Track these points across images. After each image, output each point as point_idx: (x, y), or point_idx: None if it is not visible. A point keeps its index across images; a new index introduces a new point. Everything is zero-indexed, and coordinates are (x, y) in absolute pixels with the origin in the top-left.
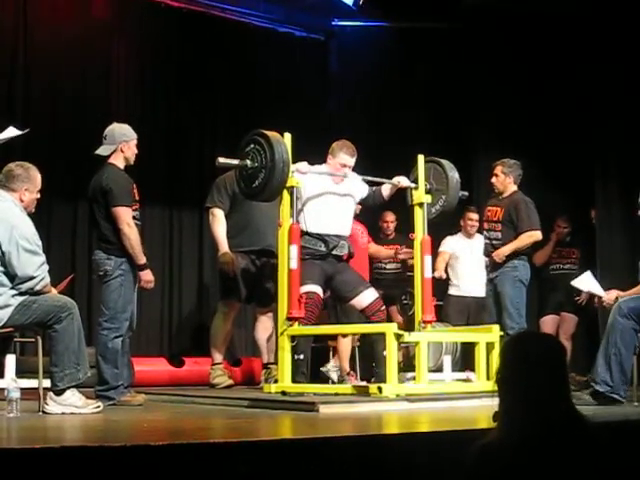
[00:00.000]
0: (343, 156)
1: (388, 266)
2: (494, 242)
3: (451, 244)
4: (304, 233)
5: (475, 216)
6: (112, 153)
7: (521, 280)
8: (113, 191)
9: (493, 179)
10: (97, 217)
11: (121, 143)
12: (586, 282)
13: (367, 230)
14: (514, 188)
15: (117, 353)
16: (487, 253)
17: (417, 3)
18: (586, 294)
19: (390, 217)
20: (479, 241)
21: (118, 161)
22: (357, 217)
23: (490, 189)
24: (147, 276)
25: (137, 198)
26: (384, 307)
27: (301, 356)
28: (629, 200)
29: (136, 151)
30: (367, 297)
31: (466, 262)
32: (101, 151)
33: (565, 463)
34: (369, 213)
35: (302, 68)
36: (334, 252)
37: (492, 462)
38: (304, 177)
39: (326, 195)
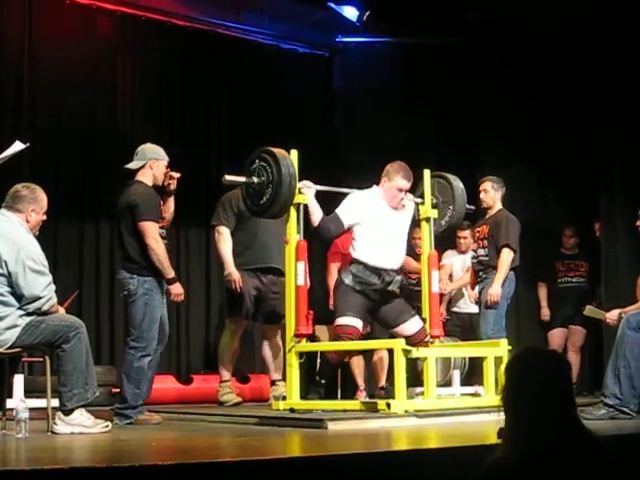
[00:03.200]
0: (400, 180)
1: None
2: (481, 258)
3: (450, 257)
4: (357, 261)
5: (465, 233)
6: (140, 169)
7: (504, 293)
8: (140, 206)
9: (482, 195)
10: (123, 234)
11: (151, 160)
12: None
13: None
14: (500, 205)
15: (142, 373)
16: (475, 271)
17: (421, 19)
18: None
19: (418, 234)
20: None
21: (146, 178)
22: None
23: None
24: (176, 289)
25: (164, 217)
26: (429, 338)
27: (322, 381)
28: (633, 214)
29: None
30: (412, 326)
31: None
32: (130, 165)
33: (573, 479)
34: None
35: (306, 84)
36: (389, 288)
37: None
38: (359, 201)
39: (386, 223)
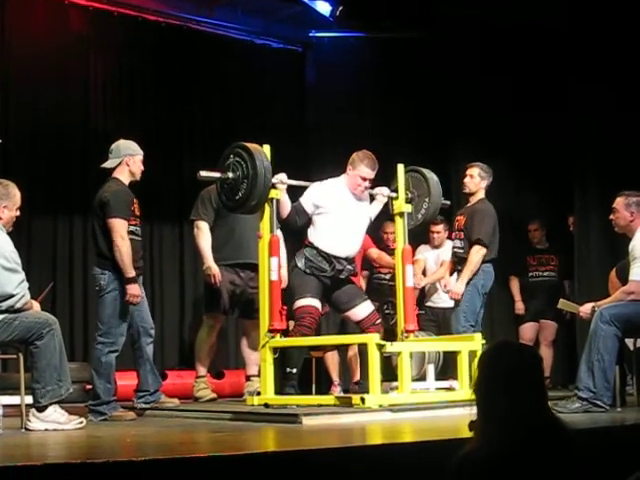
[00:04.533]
0: (364, 169)
1: (387, 276)
2: (456, 250)
3: (423, 252)
4: (311, 246)
5: (438, 227)
6: (117, 167)
7: (478, 286)
8: (110, 202)
9: (467, 179)
10: (96, 230)
11: (126, 156)
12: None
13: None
14: (482, 195)
15: (111, 368)
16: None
17: (394, 13)
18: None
19: (390, 228)
20: (445, 251)
21: (122, 175)
22: None
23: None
24: (133, 290)
25: (138, 214)
26: (380, 320)
27: (294, 370)
28: (607, 208)
29: (142, 167)
30: (363, 310)
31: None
32: (107, 164)
33: (545, 471)
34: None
35: (279, 79)
36: (340, 276)
37: (473, 472)
38: (321, 188)
39: (345, 211)
